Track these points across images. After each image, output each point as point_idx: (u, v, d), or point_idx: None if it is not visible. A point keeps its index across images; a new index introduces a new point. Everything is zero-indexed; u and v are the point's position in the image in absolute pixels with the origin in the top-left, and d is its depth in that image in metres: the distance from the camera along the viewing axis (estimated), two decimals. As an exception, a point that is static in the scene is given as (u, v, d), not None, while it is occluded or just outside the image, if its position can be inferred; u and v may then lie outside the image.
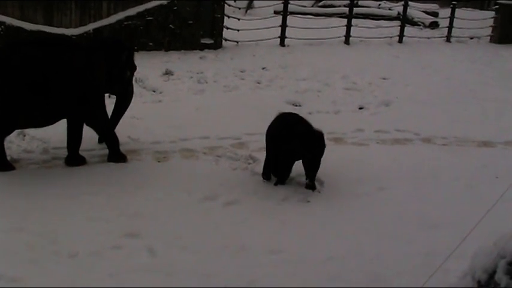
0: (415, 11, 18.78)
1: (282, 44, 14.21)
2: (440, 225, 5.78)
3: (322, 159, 6.40)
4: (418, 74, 12.76)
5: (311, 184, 6.44)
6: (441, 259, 4.36)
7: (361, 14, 17.74)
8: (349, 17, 15.36)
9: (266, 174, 6.68)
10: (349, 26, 15.19)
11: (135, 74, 7.49)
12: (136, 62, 7.38)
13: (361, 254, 5.18)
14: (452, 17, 17.07)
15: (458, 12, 17.41)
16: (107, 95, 7.14)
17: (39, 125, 6.70)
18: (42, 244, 4.96)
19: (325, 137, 6.39)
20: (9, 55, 6.35)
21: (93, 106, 6.73)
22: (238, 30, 13.84)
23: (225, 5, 13.67)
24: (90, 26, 12.11)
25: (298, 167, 6.58)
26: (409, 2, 16.89)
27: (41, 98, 6.29)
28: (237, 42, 13.68)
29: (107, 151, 7.00)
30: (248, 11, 18.44)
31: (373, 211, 6.10)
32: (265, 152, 6.75)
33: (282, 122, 6.56)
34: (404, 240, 5.48)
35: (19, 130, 7.06)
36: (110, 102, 7.26)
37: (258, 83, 11.17)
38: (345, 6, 17.32)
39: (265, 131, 6.70)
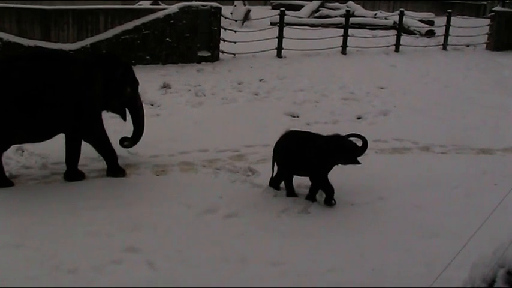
0: (411, 20, 18.84)
1: (279, 55, 14.25)
2: (440, 234, 5.78)
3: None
4: (415, 82, 12.79)
5: (311, 195, 6.45)
6: (441, 268, 4.35)
7: (358, 24, 17.80)
8: (346, 27, 15.41)
9: (275, 185, 6.71)
10: (345, 36, 15.24)
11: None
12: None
13: (361, 264, 5.17)
14: (448, 25, 17.16)
15: (454, 20, 17.51)
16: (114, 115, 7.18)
17: (36, 140, 6.69)
18: (42, 260, 4.95)
19: None
20: (5, 69, 6.36)
21: (89, 121, 6.74)
22: (235, 43, 13.87)
23: (222, 18, 13.71)
24: (88, 41, 12.16)
25: (297, 179, 6.59)
26: (405, 11, 16.96)
27: (37, 112, 6.30)
28: (234, 54, 13.70)
29: (105, 166, 7.00)
30: (245, 23, 18.49)
31: (373, 221, 6.10)
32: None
33: (306, 139, 6.50)
34: (404, 249, 5.48)
35: (17, 146, 7.07)
36: (108, 117, 7.28)
37: (256, 94, 11.18)
38: (341, 16, 17.37)
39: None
